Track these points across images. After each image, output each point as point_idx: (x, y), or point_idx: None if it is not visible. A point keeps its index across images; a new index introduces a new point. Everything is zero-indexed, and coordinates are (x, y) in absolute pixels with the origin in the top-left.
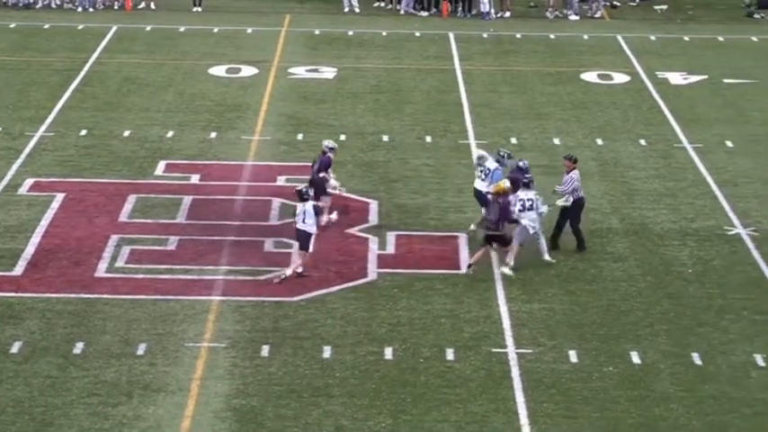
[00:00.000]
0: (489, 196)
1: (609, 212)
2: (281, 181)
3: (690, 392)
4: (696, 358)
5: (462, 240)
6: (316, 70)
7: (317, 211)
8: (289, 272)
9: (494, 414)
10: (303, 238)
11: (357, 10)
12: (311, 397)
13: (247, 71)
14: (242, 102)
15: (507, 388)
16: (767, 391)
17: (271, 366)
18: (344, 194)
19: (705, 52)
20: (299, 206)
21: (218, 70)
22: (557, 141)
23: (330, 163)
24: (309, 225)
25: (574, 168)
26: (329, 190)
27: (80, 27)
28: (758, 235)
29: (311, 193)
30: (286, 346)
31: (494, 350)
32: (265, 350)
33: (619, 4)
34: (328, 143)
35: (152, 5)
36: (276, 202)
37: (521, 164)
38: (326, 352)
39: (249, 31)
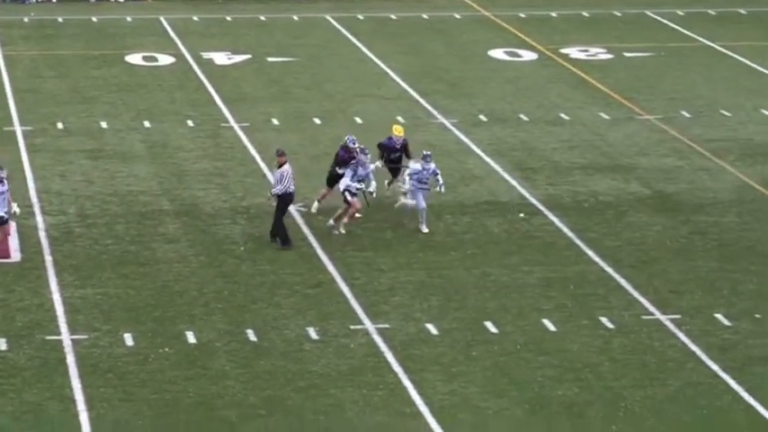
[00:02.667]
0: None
1: (159, 194)
2: None
3: (246, 369)
4: (251, 335)
5: (12, 228)
6: None
7: None
8: None
9: (50, 402)
10: None
11: None
12: None
13: None
14: None
15: (63, 375)
16: (320, 362)
17: None
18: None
19: (248, 32)
20: None
21: None
22: (104, 125)
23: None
24: None
25: (285, 163)
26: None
27: None
28: (306, 210)
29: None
30: None
31: (48, 338)
32: None
33: None
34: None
35: None
36: None
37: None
38: None
39: None
